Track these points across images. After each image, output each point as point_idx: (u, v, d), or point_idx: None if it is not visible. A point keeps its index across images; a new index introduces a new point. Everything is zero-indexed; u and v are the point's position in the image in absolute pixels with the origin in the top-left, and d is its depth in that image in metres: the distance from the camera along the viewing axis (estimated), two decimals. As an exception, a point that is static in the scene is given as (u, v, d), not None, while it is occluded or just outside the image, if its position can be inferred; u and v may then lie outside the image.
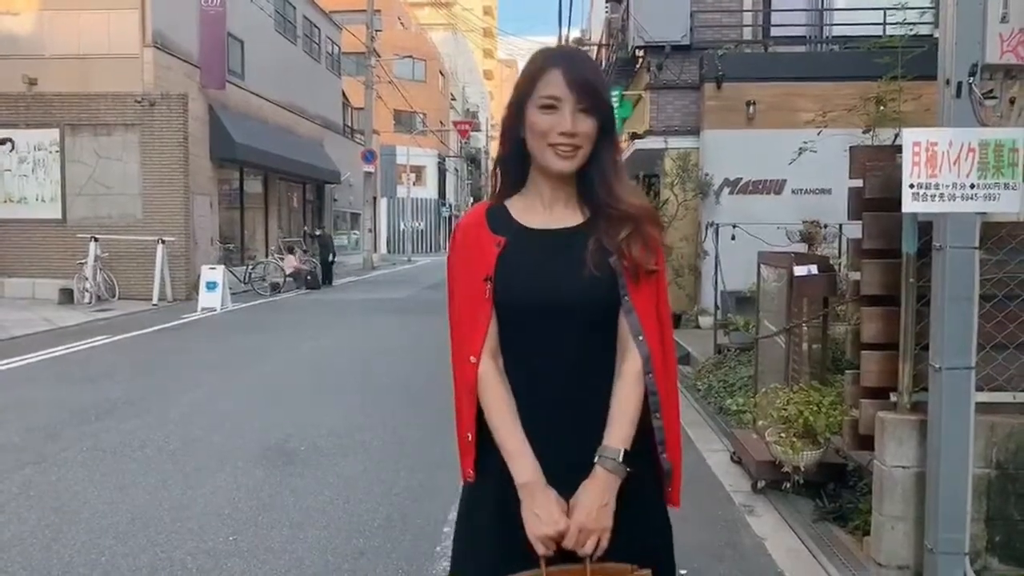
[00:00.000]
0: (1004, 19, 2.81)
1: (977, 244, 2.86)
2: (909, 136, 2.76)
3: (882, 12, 9.58)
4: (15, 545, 3.68)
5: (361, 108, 29.73)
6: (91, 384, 7.41)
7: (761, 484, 4.37)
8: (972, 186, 2.70)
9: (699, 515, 3.98)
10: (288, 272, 18.02)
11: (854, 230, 3.84)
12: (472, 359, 1.52)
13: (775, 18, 12.19)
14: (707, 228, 9.91)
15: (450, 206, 51.40)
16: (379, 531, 3.87)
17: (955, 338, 2.86)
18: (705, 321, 10.15)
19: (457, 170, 56.38)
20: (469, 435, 1.55)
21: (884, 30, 9.01)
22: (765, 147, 10.23)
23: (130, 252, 15.02)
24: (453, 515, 3.89)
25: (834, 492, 4.14)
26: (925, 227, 2.97)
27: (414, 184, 43.01)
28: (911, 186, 2.73)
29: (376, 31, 28.63)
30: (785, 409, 4.21)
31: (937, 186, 2.72)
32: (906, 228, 2.99)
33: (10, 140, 15.69)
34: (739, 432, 5.12)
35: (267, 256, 19.62)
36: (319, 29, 26.78)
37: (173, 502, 4.25)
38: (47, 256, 15.47)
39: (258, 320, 13.04)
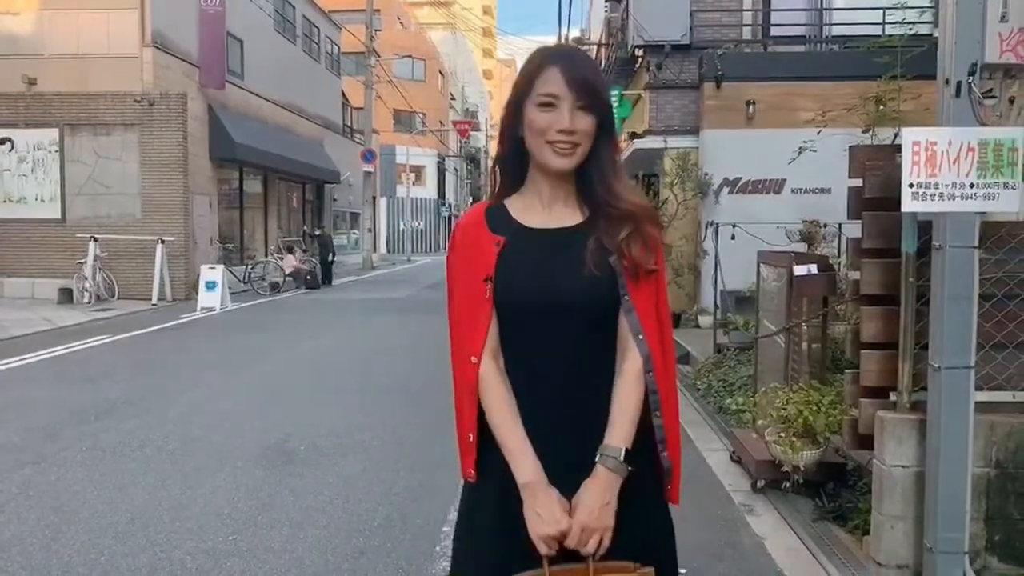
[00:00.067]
0: (1003, 18, 2.81)
1: (976, 243, 2.86)
2: (908, 135, 2.76)
3: (881, 12, 9.57)
4: (15, 545, 3.68)
5: (360, 108, 29.73)
6: (90, 384, 7.41)
7: (761, 483, 4.37)
8: (971, 185, 2.70)
9: (699, 514, 3.98)
10: (288, 272, 18.01)
11: (854, 229, 3.84)
12: (473, 359, 1.52)
13: (775, 17, 12.19)
14: (707, 227, 9.92)
15: (449, 206, 51.40)
16: (379, 531, 3.87)
17: (954, 337, 2.86)
18: (705, 320, 10.15)
19: (457, 170, 56.38)
20: (470, 435, 1.55)
21: (883, 30, 9.01)
22: (765, 147, 10.23)
23: (129, 252, 15.02)
24: (453, 515, 3.89)
25: (834, 491, 4.14)
26: (925, 226, 2.97)
27: (413, 184, 43.02)
28: (911, 185, 2.73)
29: (375, 31, 28.62)
30: (785, 408, 4.21)
31: (936, 185, 2.71)
32: (906, 227, 2.99)
33: (9, 140, 15.69)
34: (739, 431, 5.12)
35: (267, 256, 19.61)
36: (318, 29, 26.77)
37: (172, 502, 4.25)
38: (46, 256, 15.47)
39: (258, 320, 13.04)
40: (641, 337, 1.51)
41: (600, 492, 1.45)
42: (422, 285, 20.63)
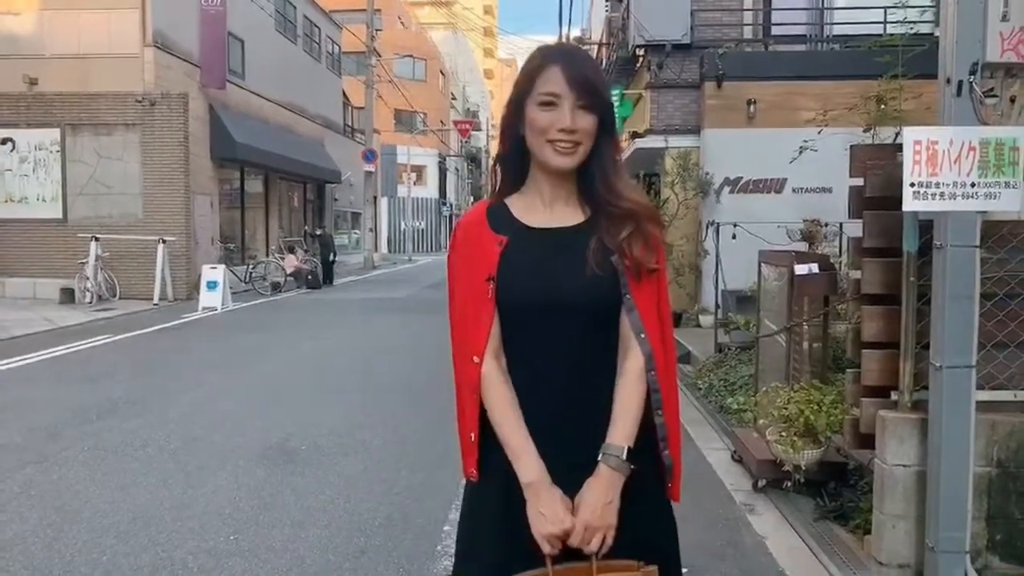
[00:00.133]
0: (1005, 17, 2.81)
1: (978, 243, 2.85)
2: (910, 135, 2.76)
3: (883, 11, 9.58)
4: (17, 544, 3.69)
5: (361, 107, 29.75)
6: (92, 384, 7.41)
7: (762, 483, 4.37)
8: (973, 185, 2.70)
9: (700, 514, 3.99)
10: (289, 271, 18.02)
11: (855, 229, 3.84)
12: (475, 359, 1.52)
13: (775, 17, 12.19)
14: (708, 227, 9.92)
15: (451, 205, 51.41)
16: (380, 530, 3.87)
17: (956, 337, 2.85)
18: (706, 320, 10.15)
19: (458, 169, 56.37)
20: (472, 435, 1.55)
21: (885, 29, 9.02)
22: (766, 146, 10.22)
23: (131, 252, 15.03)
24: (454, 514, 3.90)
25: (835, 491, 4.14)
26: (926, 226, 2.96)
27: (415, 183, 43.00)
28: (912, 185, 2.73)
29: (376, 30, 28.63)
30: (786, 408, 4.21)
31: (938, 185, 2.71)
32: (907, 227, 2.99)
33: (11, 140, 15.70)
34: (740, 431, 5.12)
35: (268, 255, 19.62)
36: (319, 28, 26.78)
37: (174, 501, 4.25)
38: (48, 256, 15.48)
39: (259, 319, 13.04)
40: (643, 336, 1.51)
41: (603, 491, 1.45)
42: (423, 285, 20.63)
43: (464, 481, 1.62)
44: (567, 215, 1.57)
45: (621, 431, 1.48)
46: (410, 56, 41.33)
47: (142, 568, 3.43)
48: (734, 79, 10.87)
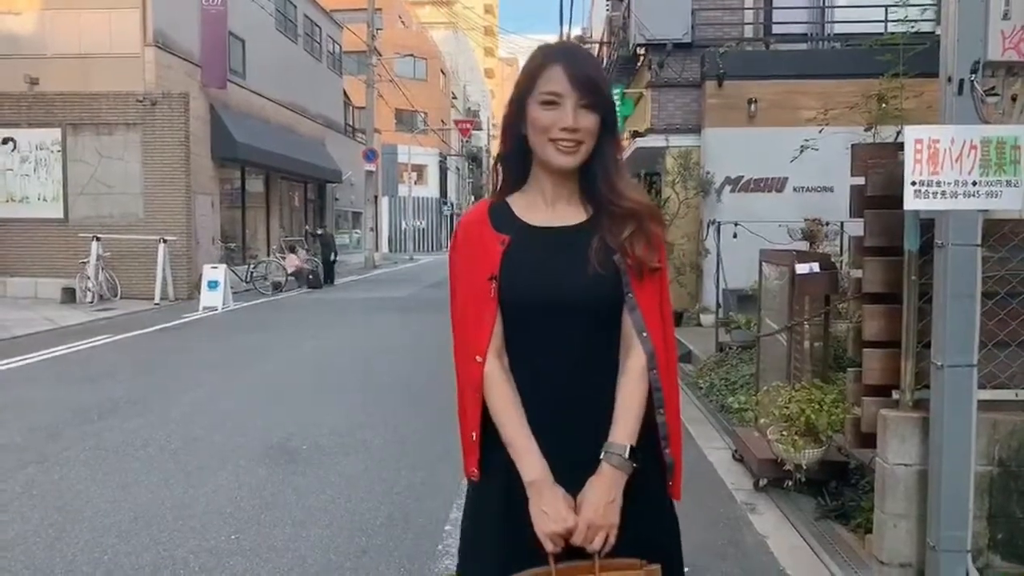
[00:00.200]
0: (1006, 16, 2.81)
1: (979, 241, 2.85)
2: (911, 133, 2.75)
3: (884, 9, 9.57)
4: (18, 544, 3.69)
5: (362, 107, 29.75)
6: (93, 383, 7.42)
7: (763, 482, 4.37)
8: (974, 183, 2.69)
9: (701, 513, 3.98)
10: (290, 271, 18.02)
11: (856, 228, 3.84)
12: (478, 358, 1.52)
13: (776, 16, 12.17)
14: (708, 226, 9.92)
15: (451, 205, 51.42)
16: (381, 529, 3.87)
17: (957, 336, 2.85)
18: (707, 319, 10.15)
19: (458, 169, 56.37)
20: (473, 434, 1.55)
21: (886, 27, 8.99)
22: (766, 145, 10.22)
23: (132, 251, 15.04)
24: (455, 513, 3.90)
25: (836, 490, 4.14)
26: (927, 224, 2.96)
27: (415, 183, 43.02)
28: (913, 183, 2.72)
29: (377, 30, 28.65)
30: (787, 407, 4.21)
31: (939, 183, 2.71)
32: (908, 226, 2.98)
33: (12, 139, 15.71)
34: (741, 430, 5.12)
35: (269, 255, 19.62)
36: (320, 28, 26.79)
37: (175, 501, 4.26)
38: (49, 255, 15.49)
39: (260, 319, 13.05)
40: (645, 335, 1.51)
41: (605, 489, 1.45)
42: (424, 284, 20.64)
43: (465, 481, 1.62)
44: (569, 214, 1.57)
45: (623, 430, 1.48)
46: (411, 55, 41.34)
47: (143, 567, 3.44)
48: (735, 78, 10.86)
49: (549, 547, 1.43)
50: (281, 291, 17.34)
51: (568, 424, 1.51)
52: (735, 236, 8.24)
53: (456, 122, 48.07)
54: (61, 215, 15.71)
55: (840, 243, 7.81)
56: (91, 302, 14.15)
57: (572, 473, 1.47)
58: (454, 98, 53.61)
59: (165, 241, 14.63)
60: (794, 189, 10.79)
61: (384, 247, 39.61)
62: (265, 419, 6.02)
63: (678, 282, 10.71)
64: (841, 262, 6.05)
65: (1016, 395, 3.10)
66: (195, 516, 4.03)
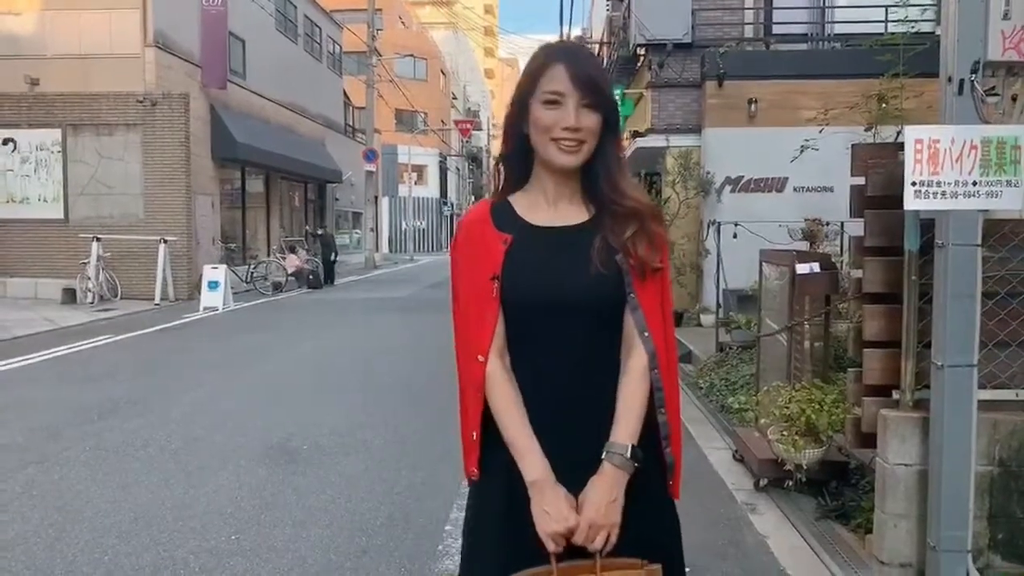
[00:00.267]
0: (1006, 16, 2.81)
1: (979, 241, 2.85)
2: (911, 133, 2.75)
3: (884, 9, 9.56)
4: (19, 544, 3.69)
5: (362, 107, 29.75)
6: (93, 384, 7.42)
7: (763, 482, 4.37)
8: (974, 183, 2.69)
9: (702, 513, 3.98)
10: (290, 271, 18.03)
11: (856, 228, 3.84)
12: (480, 358, 1.52)
13: (776, 16, 12.17)
14: (709, 226, 9.92)
15: (452, 205, 51.43)
16: (381, 529, 3.88)
17: (957, 336, 2.85)
18: (707, 319, 10.14)
19: (459, 169, 56.38)
20: (474, 434, 1.55)
21: (886, 27, 8.99)
22: (767, 145, 10.22)
23: (132, 252, 15.05)
24: (455, 513, 3.91)
25: (836, 490, 4.14)
26: (927, 224, 2.96)
27: (416, 183, 43.02)
28: (913, 183, 2.72)
29: (377, 30, 28.65)
30: (787, 407, 4.21)
31: (939, 183, 2.71)
32: (908, 226, 2.98)
33: (12, 140, 15.71)
34: (741, 430, 5.12)
35: (269, 255, 19.63)
36: (320, 28, 26.80)
37: (176, 501, 4.26)
38: (49, 256, 15.50)
39: (260, 319, 13.05)
40: (647, 335, 1.51)
41: (607, 489, 1.46)
42: (424, 284, 20.64)
43: (465, 481, 1.62)
44: (571, 214, 1.57)
45: (625, 429, 1.48)
46: (411, 56, 41.32)
47: (144, 568, 3.44)
48: (735, 78, 10.86)
49: (551, 547, 1.44)
50: (281, 291, 17.34)
51: (570, 424, 1.51)
52: (735, 236, 8.24)
53: (456, 122, 48.09)
54: (61, 216, 15.72)
55: (840, 243, 7.81)
56: (91, 302, 14.15)
57: (574, 473, 1.47)
58: (454, 98, 53.62)
59: (165, 241, 14.64)
60: (794, 189, 10.79)
61: (384, 247, 39.61)
62: (265, 419, 6.02)
63: (678, 282, 10.71)
64: (841, 262, 6.05)
65: (1016, 395, 3.10)
66: (195, 516, 4.03)
